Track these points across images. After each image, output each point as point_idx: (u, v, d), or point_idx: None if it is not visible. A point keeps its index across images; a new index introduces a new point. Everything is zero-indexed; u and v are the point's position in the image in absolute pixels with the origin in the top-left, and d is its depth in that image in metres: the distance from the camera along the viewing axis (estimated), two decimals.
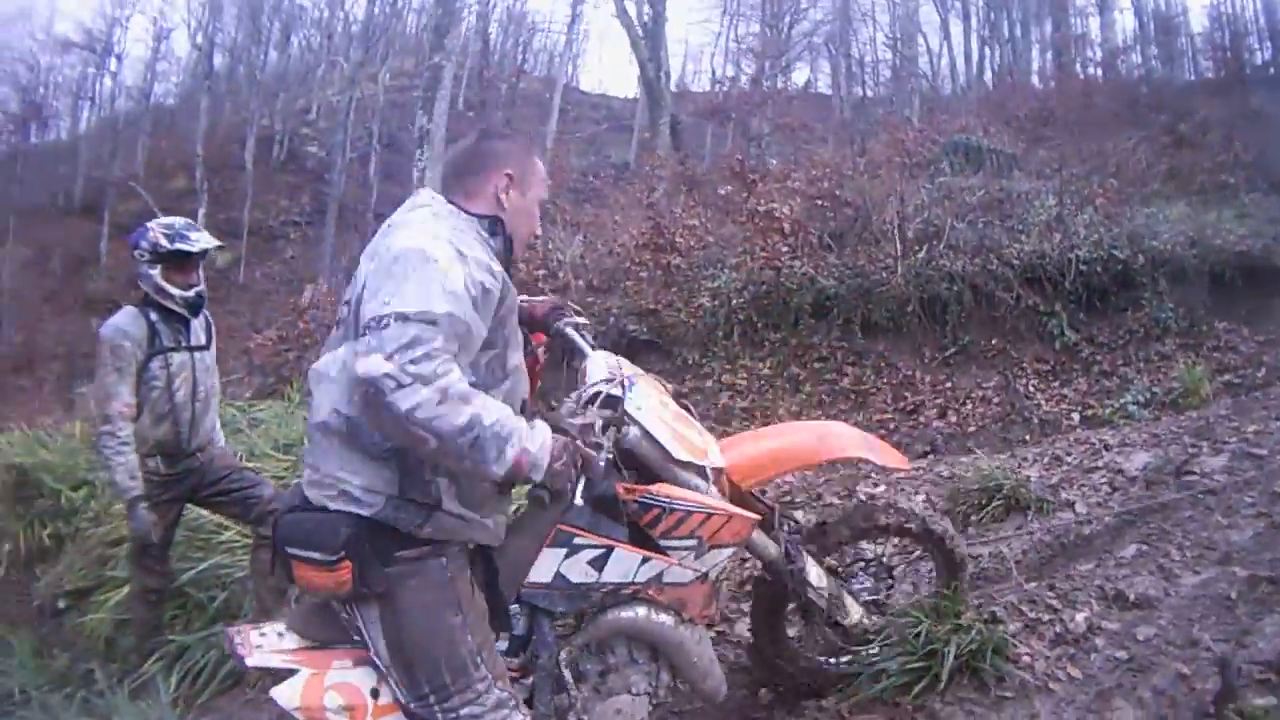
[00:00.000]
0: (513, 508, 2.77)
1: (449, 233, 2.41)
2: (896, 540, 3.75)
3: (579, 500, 2.48)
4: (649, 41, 20.37)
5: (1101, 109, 16.24)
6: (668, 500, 2.75)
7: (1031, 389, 7.75)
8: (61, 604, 6.08)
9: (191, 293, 4.57)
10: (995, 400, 7.55)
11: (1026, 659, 3.38)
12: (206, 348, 4.74)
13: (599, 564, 2.74)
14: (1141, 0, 30.91)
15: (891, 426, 7.17)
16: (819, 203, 10.23)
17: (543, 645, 2.80)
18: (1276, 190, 11.53)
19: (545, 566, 2.73)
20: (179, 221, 4.67)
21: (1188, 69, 27.35)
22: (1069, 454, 5.58)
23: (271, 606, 4.58)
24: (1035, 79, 25.76)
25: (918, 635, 3.33)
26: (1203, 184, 12.00)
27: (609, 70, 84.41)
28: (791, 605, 3.42)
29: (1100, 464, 5.31)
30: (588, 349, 3.13)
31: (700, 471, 2.85)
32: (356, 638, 2.55)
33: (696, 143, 21.44)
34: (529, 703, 2.71)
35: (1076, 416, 7.16)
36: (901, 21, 27.99)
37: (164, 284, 4.48)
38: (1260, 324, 8.68)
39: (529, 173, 2.68)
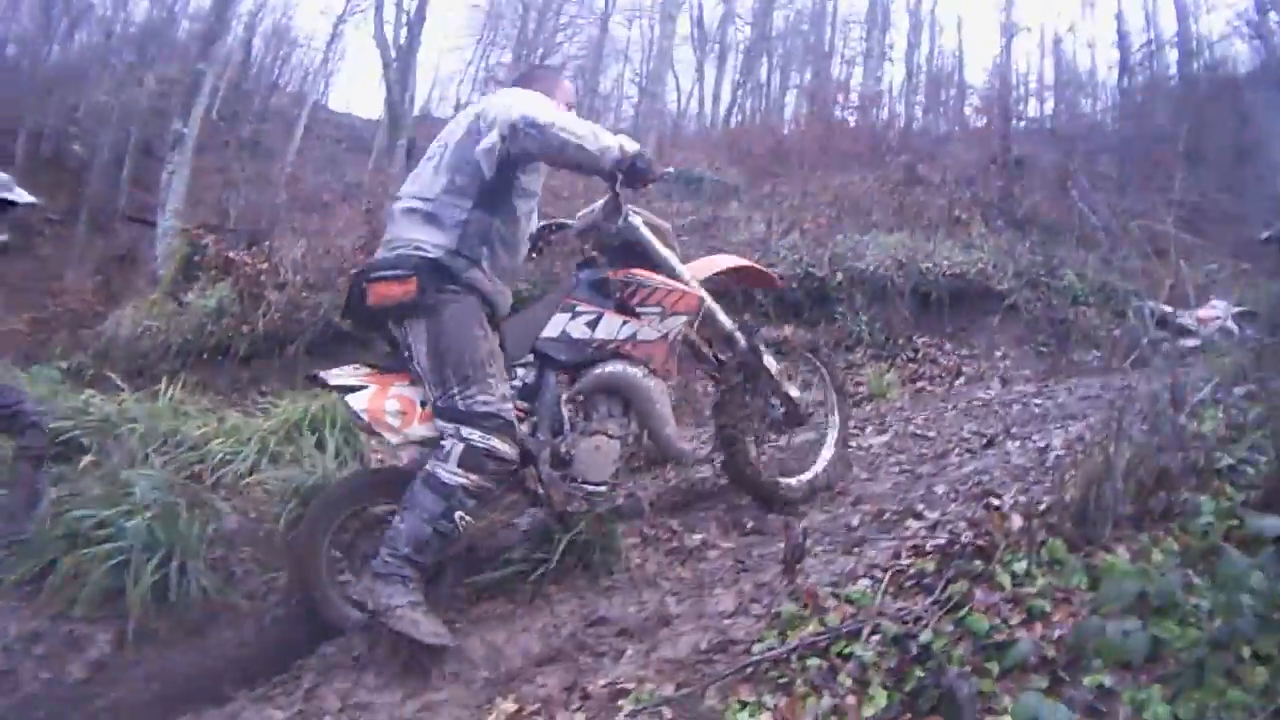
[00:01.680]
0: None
1: None
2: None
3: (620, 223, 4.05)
4: (399, 65, 20.71)
5: (841, 150, 16.93)
6: (642, 278, 4.06)
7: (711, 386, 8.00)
8: None
9: None
10: (680, 394, 7.63)
11: (639, 562, 4.00)
12: None
13: (592, 325, 3.98)
14: (913, 54, 32.52)
15: None
16: None
17: (547, 389, 3.97)
18: (1014, 227, 12.47)
19: (555, 325, 3.97)
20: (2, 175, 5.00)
21: (952, 121, 28.46)
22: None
23: (18, 513, 4.87)
24: (788, 124, 26.13)
25: (539, 531, 4.11)
26: (933, 220, 12.74)
27: (359, 90, 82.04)
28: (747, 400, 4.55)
29: None
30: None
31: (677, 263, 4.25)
32: (406, 353, 3.69)
33: None
34: (532, 436, 3.90)
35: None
36: (655, 60, 27.95)
37: None
38: (965, 339, 9.42)
39: (556, 88, 4.12)
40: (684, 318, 4.10)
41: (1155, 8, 33.74)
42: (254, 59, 34.99)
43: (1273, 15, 27.35)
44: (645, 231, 4.14)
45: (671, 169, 4.45)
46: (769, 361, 4.51)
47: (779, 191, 13.30)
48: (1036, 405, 6.07)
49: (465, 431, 3.50)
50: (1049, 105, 32.03)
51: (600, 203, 4.12)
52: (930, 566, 3.05)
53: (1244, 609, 2.24)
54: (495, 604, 3.83)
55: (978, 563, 2.92)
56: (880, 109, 25.81)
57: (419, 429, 3.69)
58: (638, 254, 4.15)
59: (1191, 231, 16.26)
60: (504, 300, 3.85)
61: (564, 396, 3.98)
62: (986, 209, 13.73)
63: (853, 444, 5.43)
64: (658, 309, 4.02)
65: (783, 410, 4.65)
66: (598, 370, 3.97)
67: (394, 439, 3.69)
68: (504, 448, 3.54)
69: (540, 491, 3.92)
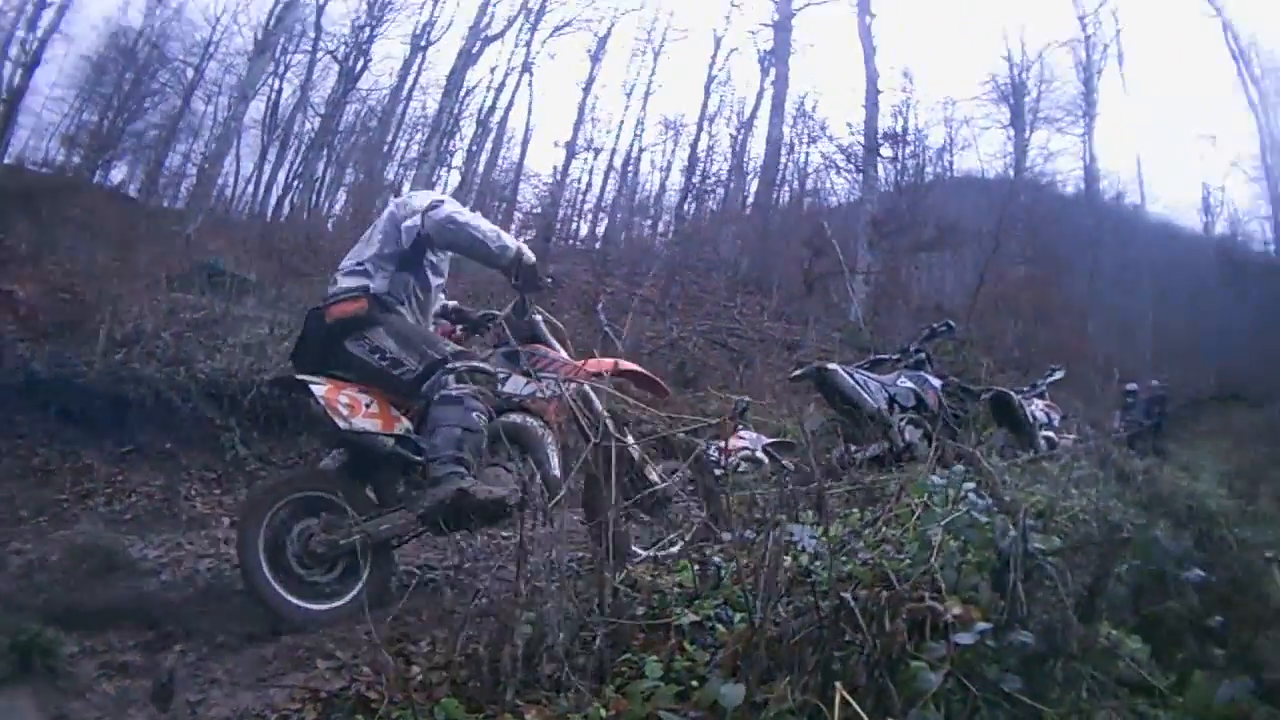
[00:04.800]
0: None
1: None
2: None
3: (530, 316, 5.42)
4: (4, 108, 19.69)
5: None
6: (543, 351, 5.33)
7: (192, 492, 8.17)
8: None
9: None
10: (158, 496, 7.91)
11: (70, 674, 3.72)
12: None
13: (502, 382, 5.08)
14: (472, 162, 33.71)
15: (65, 506, 7.42)
16: (62, 295, 10.59)
17: None
18: None
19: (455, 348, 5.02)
20: None
21: None
22: (192, 544, 6.30)
23: None
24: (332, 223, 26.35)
25: None
26: None
27: None
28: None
29: (213, 552, 6.01)
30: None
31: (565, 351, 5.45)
32: (375, 355, 4.85)
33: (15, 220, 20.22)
34: None
35: (226, 520, 7.43)
36: (218, 141, 28.11)
37: None
38: None
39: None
40: (572, 385, 5.00)
41: (747, 136, 36.03)
42: None
43: (886, 151, 30.09)
44: (544, 327, 5.44)
45: (551, 279, 5.64)
46: (632, 449, 5.20)
47: (297, 294, 13.45)
48: (505, 537, 6.11)
49: (449, 366, 4.84)
50: (603, 226, 34.20)
51: (511, 304, 5.43)
52: (311, 716, 3.10)
53: None
54: None
55: (359, 717, 2.92)
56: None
57: (363, 422, 4.67)
58: (536, 340, 5.41)
59: (739, 360, 17.76)
60: None
61: None
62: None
63: None
64: (553, 376, 5.08)
65: (644, 491, 5.17)
66: (504, 418, 4.95)
67: (342, 424, 4.61)
68: (478, 364, 5.00)
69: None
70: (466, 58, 30.83)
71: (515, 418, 5.07)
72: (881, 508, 4.14)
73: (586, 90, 36.24)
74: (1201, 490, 8.75)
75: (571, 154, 34.70)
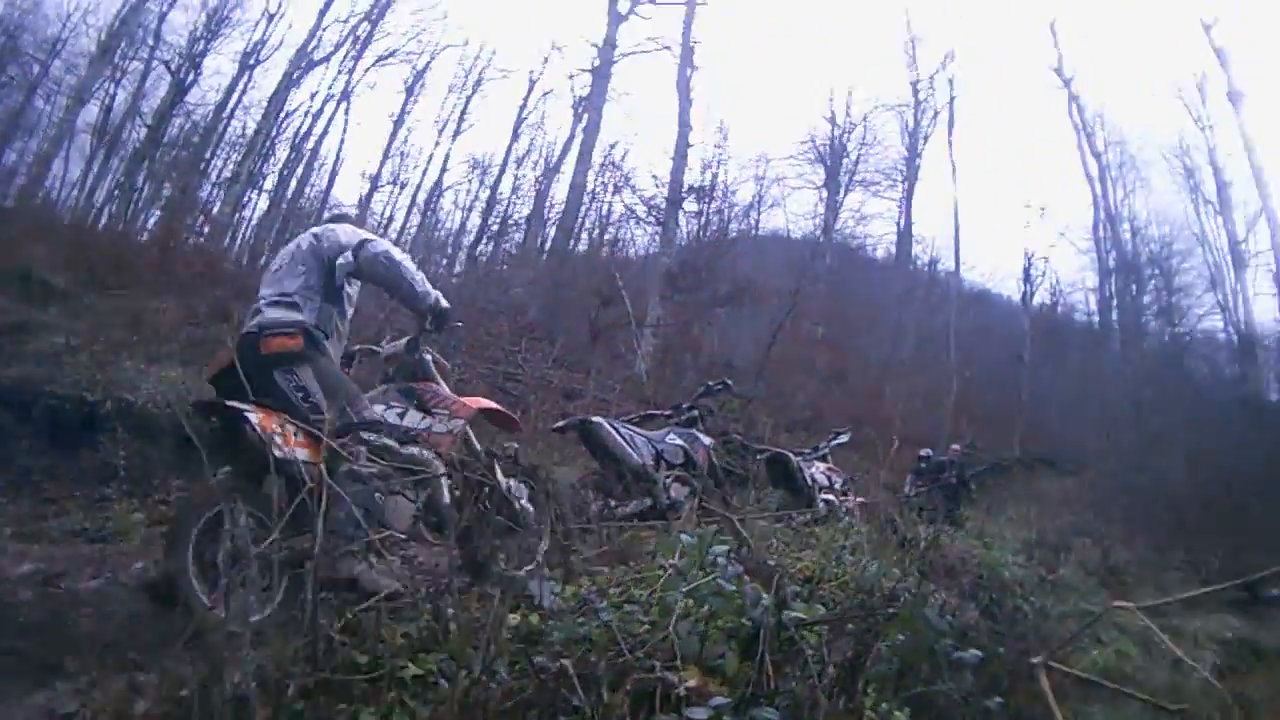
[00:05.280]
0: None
1: None
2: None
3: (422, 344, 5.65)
4: None
5: (176, 271, 17.44)
6: (437, 388, 5.62)
7: None
8: None
9: None
10: None
11: None
12: None
13: (400, 416, 5.35)
14: (282, 186, 33.41)
15: None
16: None
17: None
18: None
19: (377, 413, 5.20)
20: None
21: None
22: None
23: None
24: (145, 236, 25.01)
25: None
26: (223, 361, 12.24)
27: None
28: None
29: None
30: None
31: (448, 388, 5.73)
32: (299, 394, 4.90)
33: None
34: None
35: (9, 530, 7.07)
36: (52, 142, 27.57)
37: None
38: None
39: (363, 226, 5.83)
40: (463, 421, 5.52)
41: (552, 180, 36.56)
42: None
43: (690, 205, 30.22)
44: (432, 366, 5.74)
45: (461, 324, 5.59)
46: (500, 477, 5.59)
47: (101, 306, 13.13)
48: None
49: (364, 436, 4.90)
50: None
51: (404, 340, 5.77)
52: None
53: None
54: None
55: None
56: (232, 238, 26.83)
57: (298, 451, 4.70)
58: (426, 378, 5.70)
59: (516, 406, 17.73)
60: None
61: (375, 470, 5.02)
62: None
63: (62, 586, 5.26)
64: (446, 411, 5.48)
65: (506, 517, 5.57)
66: (401, 450, 5.15)
67: (279, 454, 4.49)
68: (392, 442, 5.06)
69: None
70: (289, 80, 30.77)
71: (414, 449, 5.27)
72: (632, 567, 4.37)
73: (398, 123, 36.80)
74: (994, 558, 9.52)
75: (375, 186, 34.91)
